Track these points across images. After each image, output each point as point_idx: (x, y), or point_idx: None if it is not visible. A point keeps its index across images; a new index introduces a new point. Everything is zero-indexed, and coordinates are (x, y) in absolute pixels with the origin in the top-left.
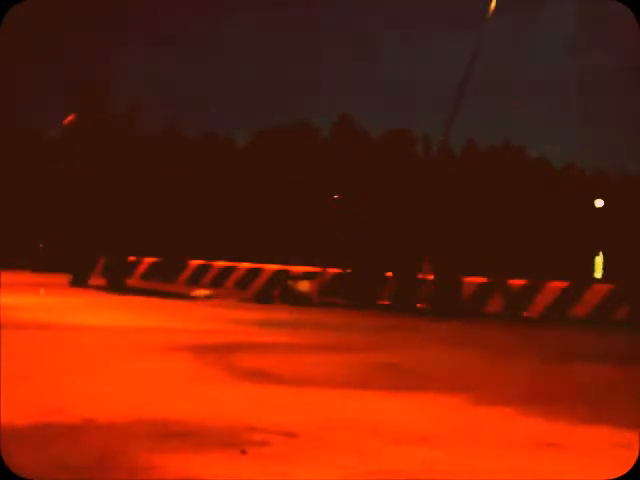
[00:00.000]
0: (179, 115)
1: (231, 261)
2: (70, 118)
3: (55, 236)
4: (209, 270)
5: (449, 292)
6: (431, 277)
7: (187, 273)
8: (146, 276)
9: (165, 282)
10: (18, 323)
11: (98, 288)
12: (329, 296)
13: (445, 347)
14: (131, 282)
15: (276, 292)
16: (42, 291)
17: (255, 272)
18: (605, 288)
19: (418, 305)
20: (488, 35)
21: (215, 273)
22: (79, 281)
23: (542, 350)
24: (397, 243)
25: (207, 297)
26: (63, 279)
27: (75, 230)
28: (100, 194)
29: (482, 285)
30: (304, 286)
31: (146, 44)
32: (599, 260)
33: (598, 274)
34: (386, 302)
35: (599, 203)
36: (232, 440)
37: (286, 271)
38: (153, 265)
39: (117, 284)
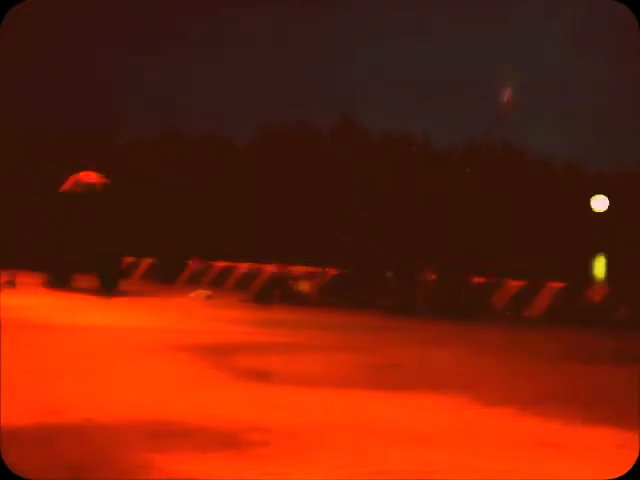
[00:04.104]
0: (179, 115)
1: (231, 261)
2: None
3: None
4: (209, 270)
5: (450, 293)
6: (431, 278)
7: (187, 273)
8: (146, 276)
9: (165, 282)
10: (18, 323)
11: (94, 289)
12: (329, 296)
13: (445, 347)
14: (131, 282)
15: (276, 292)
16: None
17: (255, 272)
18: (605, 288)
19: (418, 305)
20: (488, 35)
21: (215, 273)
22: (59, 282)
23: (542, 350)
24: (397, 244)
25: (207, 298)
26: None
27: (64, 231)
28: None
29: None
30: (304, 286)
31: (146, 43)
32: (600, 260)
33: (599, 275)
34: (386, 302)
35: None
36: (232, 440)
37: (286, 271)
38: (153, 265)
39: (111, 285)
